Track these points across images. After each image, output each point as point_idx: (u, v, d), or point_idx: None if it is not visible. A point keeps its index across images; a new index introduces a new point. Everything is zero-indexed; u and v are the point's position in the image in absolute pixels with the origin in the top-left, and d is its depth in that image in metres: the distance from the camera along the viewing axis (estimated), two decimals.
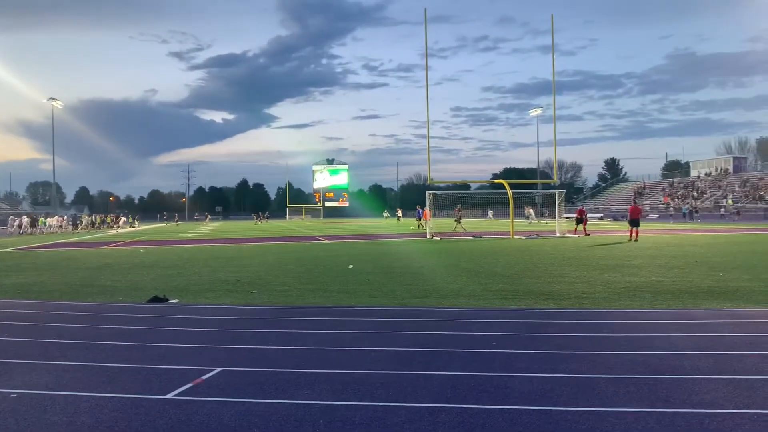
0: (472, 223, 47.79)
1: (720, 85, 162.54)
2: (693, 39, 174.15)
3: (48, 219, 57.03)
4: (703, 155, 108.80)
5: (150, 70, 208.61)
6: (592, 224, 41.08)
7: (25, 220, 51.60)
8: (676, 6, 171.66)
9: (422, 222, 45.68)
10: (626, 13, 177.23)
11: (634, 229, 26.16)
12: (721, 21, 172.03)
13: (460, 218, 36.02)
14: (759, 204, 61.24)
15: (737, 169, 79.53)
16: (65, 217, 61.64)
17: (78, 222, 61.42)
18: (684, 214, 61.33)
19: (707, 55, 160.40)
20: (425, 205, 41.26)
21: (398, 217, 65.54)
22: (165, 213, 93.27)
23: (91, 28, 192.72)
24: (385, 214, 71.47)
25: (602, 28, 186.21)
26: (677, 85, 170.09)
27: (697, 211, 62.38)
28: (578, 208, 36.35)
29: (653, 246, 22.18)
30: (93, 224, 61.13)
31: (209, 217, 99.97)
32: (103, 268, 16.61)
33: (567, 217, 47.04)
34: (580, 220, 31.77)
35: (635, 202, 30.88)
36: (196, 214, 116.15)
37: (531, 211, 53.30)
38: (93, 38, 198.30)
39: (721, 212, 60.63)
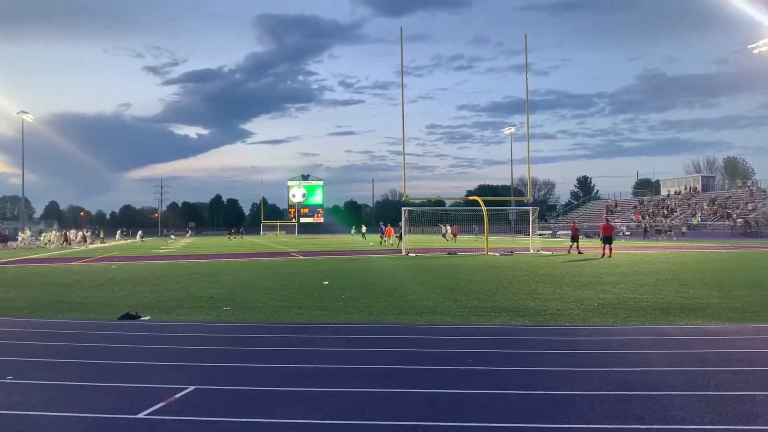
0: (445, 241, 48.01)
1: (688, 106, 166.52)
2: (662, 60, 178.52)
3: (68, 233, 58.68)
4: (673, 174, 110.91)
5: (124, 85, 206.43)
6: (564, 242, 41.51)
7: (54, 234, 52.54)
8: (646, 28, 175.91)
9: (385, 238, 46.08)
10: (597, 34, 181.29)
11: (607, 246, 26.58)
12: (689, 43, 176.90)
13: (455, 234, 39.18)
14: (726, 222, 62.55)
15: (705, 187, 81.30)
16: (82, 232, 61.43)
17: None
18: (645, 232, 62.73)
19: (676, 77, 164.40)
20: (387, 223, 41.51)
21: (363, 234, 64.90)
22: (124, 228, 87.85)
23: (64, 41, 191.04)
24: (353, 231, 70.58)
25: (574, 48, 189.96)
26: (647, 105, 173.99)
27: (647, 230, 63.83)
28: (571, 224, 35.64)
29: (625, 263, 22.49)
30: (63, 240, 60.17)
31: (190, 231, 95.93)
32: (74, 285, 16.28)
33: (540, 234, 47.52)
34: (575, 237, 30.59)
35: (607, 220, 31.42)
36: (165, 230, 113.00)
37: (447, 228, 53.84)
38: (66, 51, 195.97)
39: (683, 230, 61.80)
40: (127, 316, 10.34)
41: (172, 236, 72.32)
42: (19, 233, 57.96)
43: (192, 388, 5.69)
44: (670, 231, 61.15)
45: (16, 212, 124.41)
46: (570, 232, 31.22)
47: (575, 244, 29.99)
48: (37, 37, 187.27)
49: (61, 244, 54.91)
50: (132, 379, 6.09)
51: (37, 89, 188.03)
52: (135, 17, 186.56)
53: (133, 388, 5.74)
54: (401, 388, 5.66)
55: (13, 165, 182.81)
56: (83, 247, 50.67)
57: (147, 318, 10.31)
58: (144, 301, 12.45)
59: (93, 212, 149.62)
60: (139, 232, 73.75)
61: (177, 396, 5.42)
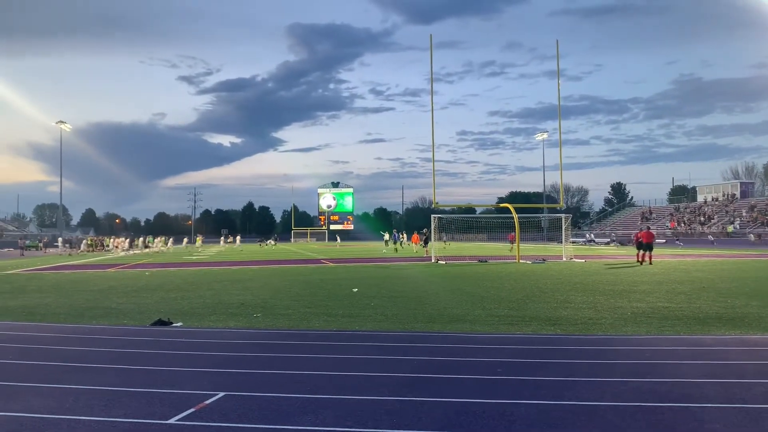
0: (476, 247, 47.72)
1: (726, 111, 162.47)
2: (698, 65, 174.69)
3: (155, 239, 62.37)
4: (710, 180, 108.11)
5: (159, 94, 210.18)
6: (598, 249, 40.92)
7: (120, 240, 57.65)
8: (681, 32, 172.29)
9: (403, 244, 46.15)
10: (631, 39, 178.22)
11: (647, 252, 26.30)
12: (726, 47, 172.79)
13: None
14: (766, 229, 60.91)
15: (744, 194, 79.38)
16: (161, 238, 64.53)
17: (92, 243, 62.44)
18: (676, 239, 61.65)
19: (713, 81, 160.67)
20: (402, 230, 41.57)
21: (386, 241, 63.52)
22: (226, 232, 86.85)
23: (102, 52, 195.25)
24: (385, 237, 67.74)
25: (608, 53, 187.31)
26: (683, 110, 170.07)
27: (677, 238, 62.49)
28: (643, 231, 28.60)
29: (660, 271, 22.05)
30: (96, 246, 61.63)
31: (230, 238, 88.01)
32: (108, 291, 16.62)
33: (573, 242, 46.90)
34: (648, 245, 26.85)
35: (648, 227, 30.95)
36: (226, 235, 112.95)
37: (386, 235, 54.89)
38: (104, 63, 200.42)
39: (710, 239, 60.48)
40: (160, 323, 10.51)
41: (269, 241, 73.17)
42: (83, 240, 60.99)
43: (222, 394, 5.75)
44: (711, 239, 59.82)
45: (54, 219, 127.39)
46: (641, 239, 26.99)
47: (648, 252, 26.48)
48: (76, 49, 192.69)
49: (127, 250, 56.88)
50: (163, 385, 6.18)
51: (76, 99, 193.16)
52: (171, 28, 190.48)
53: (164, 394, 5.82)
54: (430, 397, 5.63)
55: (51, 174, 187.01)
56: (125, 253, 51.70)
57: (179, 324, 10.46)
58: (176, 308, 12.64)
59: (128, 219, 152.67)
60: (238, 237, 77.25)
61: (207, 402, 5.48)
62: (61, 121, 78.55)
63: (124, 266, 30.26)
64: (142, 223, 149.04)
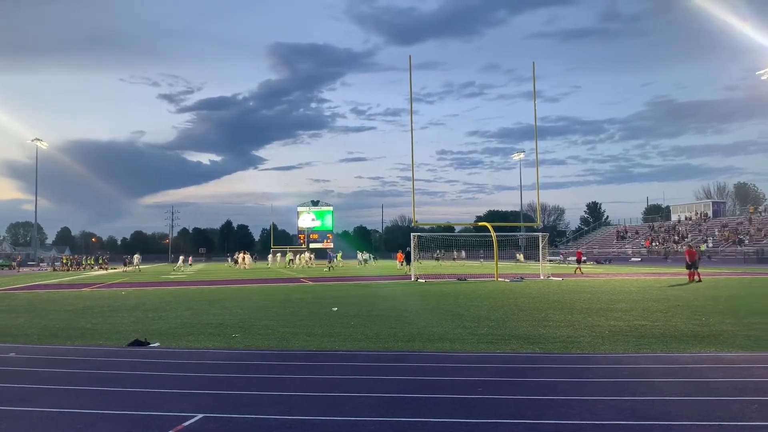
0: (456, 266, 47.85)
1: (699, 132, 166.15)
2: (672, 86, 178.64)
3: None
4: (683, 200, 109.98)
5: (139, 112, 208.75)
6: (573, 267, 41.33)
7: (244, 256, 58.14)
8: (656, 55, 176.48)
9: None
10: (607, 61, 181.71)
11: (694, 271, 26.97)
12: (699, 70, 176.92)
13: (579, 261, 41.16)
14: (739, 248, 62.01)
15: (716, 213, 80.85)
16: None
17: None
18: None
19: (686, 102, 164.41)
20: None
21: (360, 261, 64.09)
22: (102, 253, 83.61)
23: (81, 70, 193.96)
24: (362, 257, 68.23)
25: (585, 75, 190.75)
26: (658, 130, 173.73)
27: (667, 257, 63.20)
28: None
29: (636, 290, 22.30)
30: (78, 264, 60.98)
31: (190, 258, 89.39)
32: (83, 311, 16.33)
33: (551, 260, 47.35)
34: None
35: (690, 246, 31.74)
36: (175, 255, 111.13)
37: (308, 255, 57.72)
38: (83, 80, 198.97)
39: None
40: (137, 343, 10.35)
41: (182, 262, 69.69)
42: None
43: (200, 416, 5.67)
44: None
45: (28, 238, 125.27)
46: (686, 258, 27.96)
47: (695, 270, 27.19)
48: (55, 66, 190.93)
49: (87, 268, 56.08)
50: (140, 407, 6.07)
51: (53, 117, 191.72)
52: (153, 47, 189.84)
53: (141, 416, 5.72)
54: (410, 417, 5.61)
55: (26, 191, 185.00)
56: (103, 272, 51.13)
57: (156, 344, 10.32)
58: (153, 328, 12.46)
59: (104, 238, 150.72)
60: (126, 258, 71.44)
61: (185, 424, 5.40)
62: (37, 139, 77.65)
63: (99, 285, 29.78)
64: (119, 242, 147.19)
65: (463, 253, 63.80)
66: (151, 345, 10.27)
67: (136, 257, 58.59)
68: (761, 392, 6.43)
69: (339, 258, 64.51)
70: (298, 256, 63.45)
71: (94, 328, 12.68)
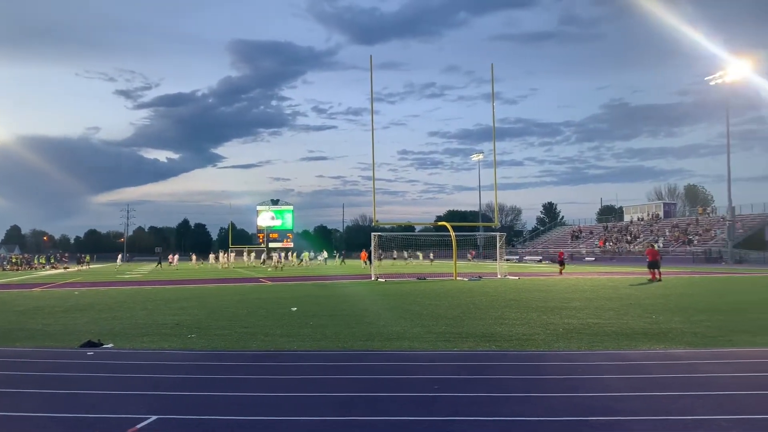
0: (417, 265, 48.12)
1: (652, 135, 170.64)
2: (627, 90, 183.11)
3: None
4: (636, 201, 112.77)
5: (94, 108, 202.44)
6: (529, 266, 42.04)
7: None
8: (612, 59, 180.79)
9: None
10: (565, 64, 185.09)
11: (655, 270, 27.57)
12: (653, 74, 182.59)
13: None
14: (688, 248, 64.01)
15: (667, 214, 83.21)
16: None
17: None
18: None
19: (640, 106, 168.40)
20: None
21: (301, 259, 63.76)
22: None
23: (33, 63, 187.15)
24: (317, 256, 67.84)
25: (543, 78, 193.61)
26: (612, 133, 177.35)
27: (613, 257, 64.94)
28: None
29: (590, 288, 22.82)
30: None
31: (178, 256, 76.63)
32: (34, 311, 15.86)
33: (507, 260, 48.05)
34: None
35: (653, 246, 32.31)
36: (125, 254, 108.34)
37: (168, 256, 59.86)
38: (35, 74, 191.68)
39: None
40: (89, 344, 10.11)
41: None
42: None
43: (154, 417, 5.58)
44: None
45: None
46: (648, 257, 28.73)
47: (656, 270, 27.91)
48: (4, 59, 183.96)
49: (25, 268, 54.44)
50: (92, 410, 5.95)
51: (5, 112, 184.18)
52: (109, 41, 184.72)
53: (92, 419, 5.61)
54: (368, 416, 5.64)
55: None
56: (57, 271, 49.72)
57: (110, 346, 10.10)
58: (107, 328, 12.19)
59: (57, 236, 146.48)
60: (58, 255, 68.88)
61: (138, 426, 5.32)
62: None
63: (50, 285, 28.95)
64: (72, 241, 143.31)
65: (432, 254, 65.61)
66: (105, 346, 10.05)
67: (119, 258, 58.41)
68: (706, 387, 6.67)
69: (307, 257, 64.01)
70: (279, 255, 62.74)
71: (44, 329, 12.33)
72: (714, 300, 17.56)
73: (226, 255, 59.62)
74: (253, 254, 68.54)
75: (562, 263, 36.11)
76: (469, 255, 71.94)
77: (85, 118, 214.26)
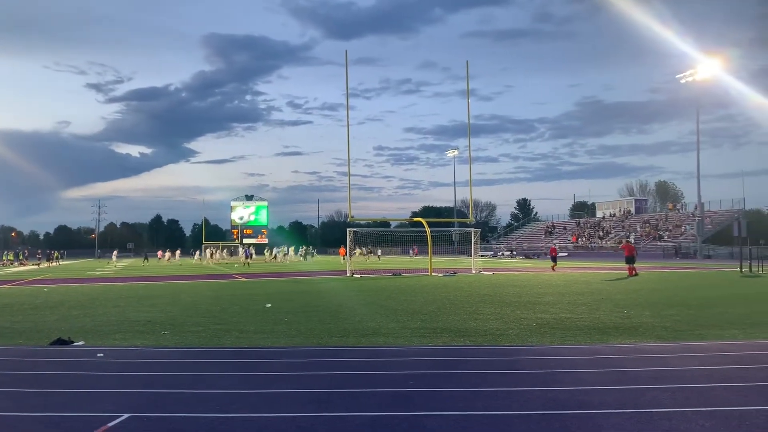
0: (393, 261, 48.21)
1: (624, 132, 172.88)
2: (600, 88, 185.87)
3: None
4: (608, 197, 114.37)
5: (64, 102, 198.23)
6: (503, 262, 42.42)
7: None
8: (585, 57, 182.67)
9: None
10: (539, 61, 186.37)
11: (631, 266, 27.79)
12: (625, 72, 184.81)
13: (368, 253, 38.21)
14: (658, 243, 65.14)
15: (639, 210, 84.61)
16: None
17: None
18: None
19: (613, 103, 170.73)
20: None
21: (274, 254, 63.29)
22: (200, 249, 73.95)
23: (1, 56, 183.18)
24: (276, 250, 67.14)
25: (517, 75, 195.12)
26: (585, 130, 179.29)
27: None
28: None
29: (563, 283, 23.09)
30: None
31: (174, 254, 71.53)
32: (1, 309, 15.54)
33: (482, 255, 48.37)
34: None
35: (629, 242, 32.60)
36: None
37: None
38: (4, 67, 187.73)
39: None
40: (60, 342, 9.94)
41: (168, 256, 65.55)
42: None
43: (126, 416, 5.52)
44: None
45: None
46: (625, 252, 29.11)
47: (632, 265, 28.07)
48: None
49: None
50: (62, 408, 5.85)
51: None
52: (80, 34, 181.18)
53: (62, 417, 5.52)
54: (342, 412, 5.64)
55: None
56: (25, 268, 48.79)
57: (81, 343, 9.94)
58: (78, 326, 12.00)
59: (26, 233, 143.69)
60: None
61: (110, 425, 5.24)
62: None
63: (19, 282, 28.39)
64: (41, 237, 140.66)
65: (416, 248, 66.99)
66: (76, 344, 9.89)
67: (114, 254, 60.76)
68: (674, 380, 6.80)
69: (290, 252, 63.91)
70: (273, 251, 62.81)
71: (13, 326, 12.09)
72: (683, 295, 17.90)
73: (217, 251, 59.54)
74: (225, 251, 68.12)
75: (554, 259, 36.37)
76: (411, 252, 71.33)
77: (56, 112, 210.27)
